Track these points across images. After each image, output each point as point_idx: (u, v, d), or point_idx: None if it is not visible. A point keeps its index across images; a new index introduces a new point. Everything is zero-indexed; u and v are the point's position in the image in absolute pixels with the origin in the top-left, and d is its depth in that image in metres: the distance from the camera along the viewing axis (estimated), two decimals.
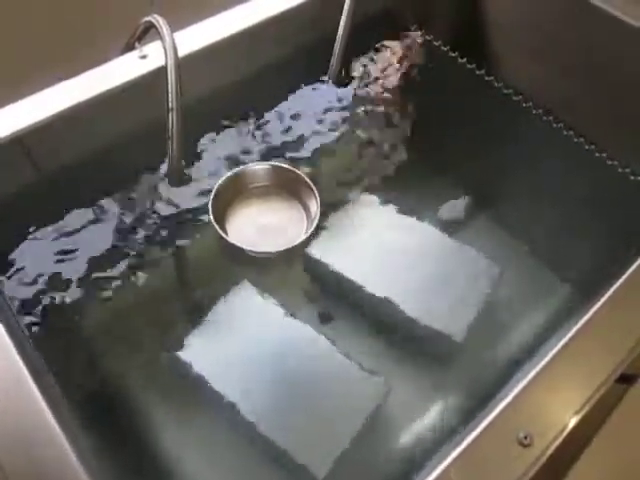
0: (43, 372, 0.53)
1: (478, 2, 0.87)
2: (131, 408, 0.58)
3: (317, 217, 0.63)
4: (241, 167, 0.67)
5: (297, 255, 0.64)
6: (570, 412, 0.46)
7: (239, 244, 0.62)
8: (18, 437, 0.42)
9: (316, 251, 0.64)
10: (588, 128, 0.79)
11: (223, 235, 0.62)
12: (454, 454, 0.43)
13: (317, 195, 0.64)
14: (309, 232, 0.63)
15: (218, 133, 0.74)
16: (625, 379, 0.54)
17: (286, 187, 0.67)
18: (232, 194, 0.66)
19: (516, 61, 0.85)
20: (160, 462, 0.55)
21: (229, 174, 0.66)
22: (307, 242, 0.63)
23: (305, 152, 0.74)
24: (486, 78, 0.85)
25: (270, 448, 0.53)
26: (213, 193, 0.64)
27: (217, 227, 0.62)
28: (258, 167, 0.67)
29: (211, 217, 0.62)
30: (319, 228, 0.65)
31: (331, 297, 0.65)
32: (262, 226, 0.65)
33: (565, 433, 0.45)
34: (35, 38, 0.79)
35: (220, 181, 0.65)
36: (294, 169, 0.67)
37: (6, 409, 0.43)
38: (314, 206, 0.64)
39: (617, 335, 0.50)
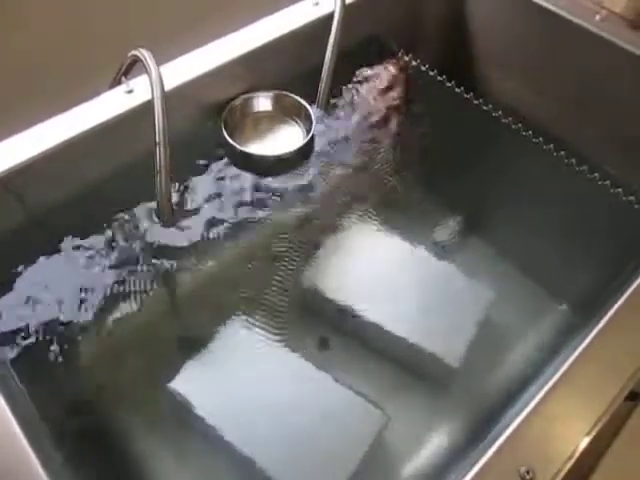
0: (32, 416, 0.52)
1: (464, 26, 0.88)
2: (125, 445, 0.57)
3: (312, 130, 0.76)
4: (249, 94, 0.78)
5: (295, 159, 0.76)
6: (574, 442, 0.45)
7: (248, 150, 0.74)
8: None
9: (311, 277, 0.64)
10: (578, 147, 0.79)
11: (234, 144, 0.73)
12: None
13: (312, 115, 0.77)
14: (305, 141, 0.75)
15: (208, 166, 0.74)
16: (633, 397, 0.53)
17: (286, 109, 0.80)
18: (240, 114, 0.78)
19: (504, 83, 0.86)
20: None
21: (239, 98, 0.77)
22: (303, 149, 0.75)
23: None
24: (474, 101, 0.85)
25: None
26: (224, 114, 0.75)
27: (229, 139, 0.73)
28: (263, 93, 0.80)
29: (224, 132, 0.73)
30: (315, 255, 0.67)
31: (327, 323, 0.65)
32: (266, 137, 0.78)
33: (569, 464, 0.43)
34: (20, 75, 0.79)
35: (230, 104, 0.76)
36: (292, 95, 0.79)
37: None
38: (308, 123, 0.77)
39: (621, 356, 0.49)
